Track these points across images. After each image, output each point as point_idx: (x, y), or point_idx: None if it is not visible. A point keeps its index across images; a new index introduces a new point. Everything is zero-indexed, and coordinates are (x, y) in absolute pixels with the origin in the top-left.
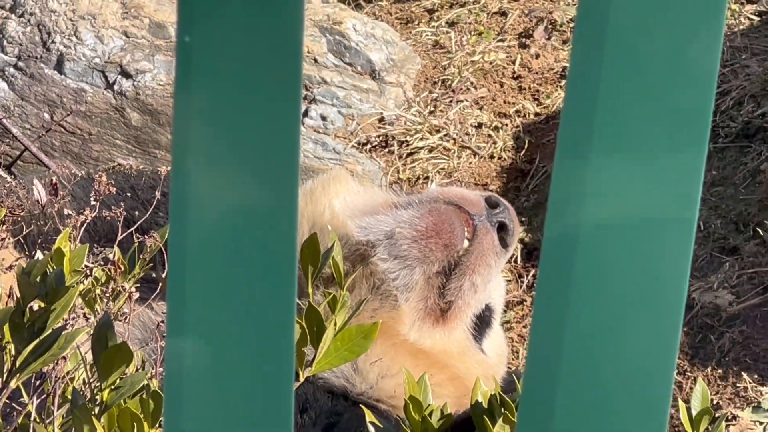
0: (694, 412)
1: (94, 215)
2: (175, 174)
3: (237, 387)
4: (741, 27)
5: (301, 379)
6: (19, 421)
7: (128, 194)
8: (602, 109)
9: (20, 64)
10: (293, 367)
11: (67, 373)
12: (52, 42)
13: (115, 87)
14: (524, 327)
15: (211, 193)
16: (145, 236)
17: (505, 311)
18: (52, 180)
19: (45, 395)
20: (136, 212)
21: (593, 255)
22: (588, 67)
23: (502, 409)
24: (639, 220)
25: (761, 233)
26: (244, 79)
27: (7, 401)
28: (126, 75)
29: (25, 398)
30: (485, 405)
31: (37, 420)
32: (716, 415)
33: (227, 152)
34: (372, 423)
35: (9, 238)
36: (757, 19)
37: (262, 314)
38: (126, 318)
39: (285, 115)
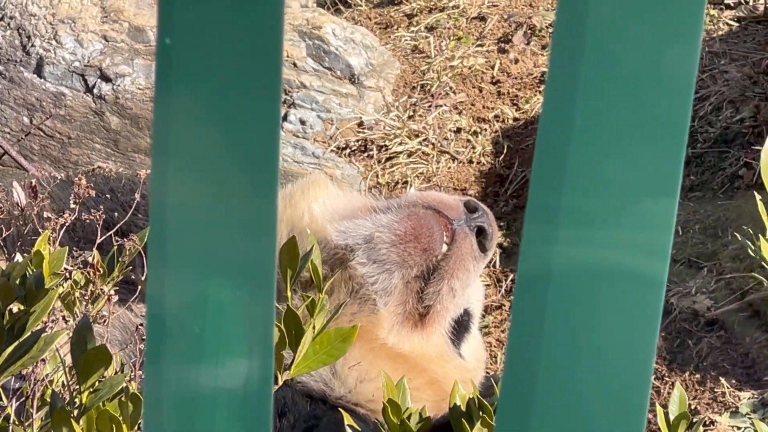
0: (671, 417)
1: (73, 218)
2: (155, 176)
3: (217, 390)
4: (720, 33)
5: (280, 383)
6: None
7: (107, 197)
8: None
9: None
10: (272, 371)
11: (46, 375)
12: (32, 46)
13: (95, 91)
14: (503, 331)
15: (191, 195)
16: (125, 239)
17: (483, 316)
18: (31, 182)
19: (24, 398)
20: (116, 214)
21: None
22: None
23: (481, 413)
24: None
25: (739, 238)
26: (224, 81)
27: None
28: (105, 79)
29: (4, 401)
30: (463, 408)
31: (16, 423)
32: (694, 420)
33: (207, 154)
34: (351, 427)
35: None
36: (735, 24)
37: (241, 316)
38: (105, 321)
39: (265, 116)
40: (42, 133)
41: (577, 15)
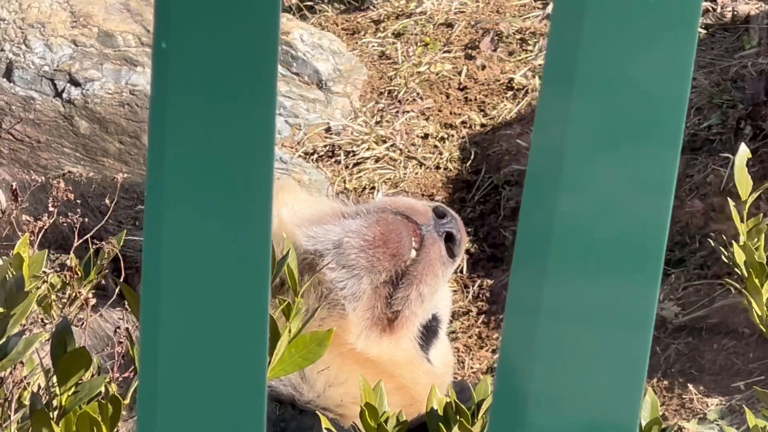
0: (643, 423)
1: (51, 221)
2: (150, 178)
3: (210, 393)
4: None
5: None
6: None
7: (78, 201)
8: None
9: None
10: (266, 371)
11: (24, 378)
12: (1, 50)
13: (64, 95)
14: (470, 337)
15: (187, 197)
16: (98, 243)
17: (451, 321)
18: (12, 186)
19: (3, 401)
20: (86, 219)
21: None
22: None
23: (458, 417)
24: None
25: (713, 244)
26: (220, 84)
27: None
28: (75, 83)
29: None
30: (441, 412)
31: None
32: (663, 427)
33: (203, 156)
34: (327, 429)
35: None
36: (703, 31)
37: (235, 321)
38: (83, 324)
39: (260, 120)
40: (11, 138)
41: (573, 18)
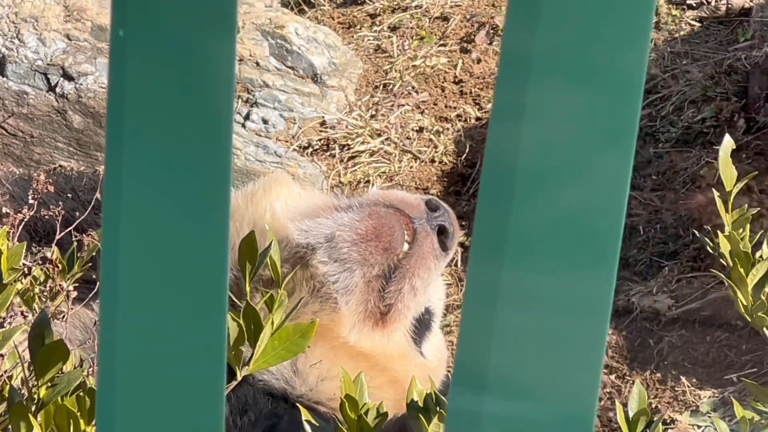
0: (630, 414)
1: (33, 215)
2: (108, 169)
3: (169, 385)
4: (682, 33)
5: (239, 378)
6: None
7: (69, 195)
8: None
9: None
10: (224, 366)
11: (5, 371)
12: None
13: (57, 89)
14: None
15: (144, 188)
16: (84, 236)
17: (445, 315)
18: None
19: None
20: (77, 213)
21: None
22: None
23: (438, 408)
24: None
25: (700, 238)
26: (178, 73)
27: None
28: (68, 77)
29: None
30: (420, 404)
31: None
32: (654, 419)
33: (160, 147)
34: (308, 422)
35: None
36: (697, 24)
37: (193, 314)
38: (64, 317)
39: (218, 108)
40: (4, 132)
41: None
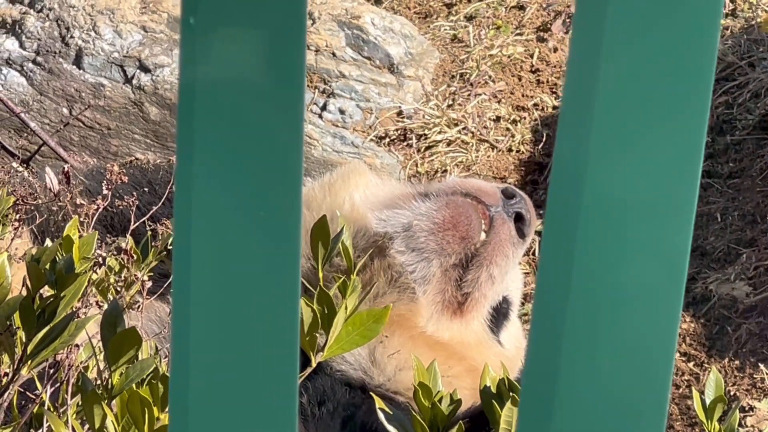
0: (707, 401)
1: (107, 206)
2: (180, 160)
3: (242, 372)
4: (759, 20)
5: (313, 364)
6: (34, 410)
7: (145, 189)
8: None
9: (39, 59)
10: (297, 352)
11: (81, 362)
12: (71, 37)
13: (134, 81)
14: None
15: (216, 177)
16: (158, 225)
17: (523, 303)
18: (64, 168)
19: (59, 384)
20: (153, 206)
21: (594, 239)
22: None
23: (511, 393)
24: (640, 204)
25: None
26: (248, 62)
27: (21, 390)
28: (144, 69)
29: (39, 388)
30: (494, 390)
31: (51, 409)
32: (727, 407)
33: (230, 134)
34: (382, 410)
35: (23, 228)
36: None
37: (265, 299)
38: (139, 307)
39: (289, 94)
40: (81, 124)
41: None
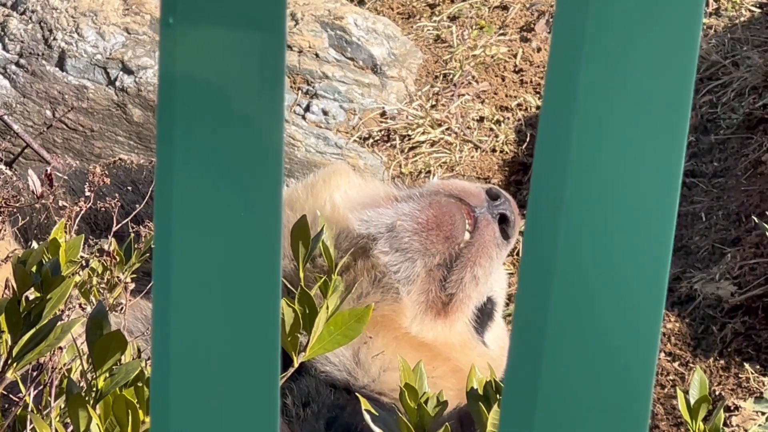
0: (692, 401)
1: (91, 207)
2: (159, 159)
3: (223, 373)
4: (742, 19)
5: (296, 364)
6: (18, 413)
7: (129, 188)
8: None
9: (22, 61)
10: (278, 352)
11: (65, 364)
12: (54, 39)
13: (117, 83)
14: None
15: (196, 177)
16: (141, 227)
17: (507, 304)
18: (47, 170)
19: (42, 387)
20: (136, 206)
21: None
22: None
23: (498, 396)
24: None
25: (761, 224)
26: (227, 62)
27: (5, 392)
28: (127, 71)
29: (23, 390)
30: (480, 392)
31: (35, 411)
32: (712, 406)
33: (211, 132)
34: (368, 411)
35: (5, 230)
36: (757, 11)
37: (246, 300)
38: (122, 309)
39: (269, 91)
40: (65, 126)
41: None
